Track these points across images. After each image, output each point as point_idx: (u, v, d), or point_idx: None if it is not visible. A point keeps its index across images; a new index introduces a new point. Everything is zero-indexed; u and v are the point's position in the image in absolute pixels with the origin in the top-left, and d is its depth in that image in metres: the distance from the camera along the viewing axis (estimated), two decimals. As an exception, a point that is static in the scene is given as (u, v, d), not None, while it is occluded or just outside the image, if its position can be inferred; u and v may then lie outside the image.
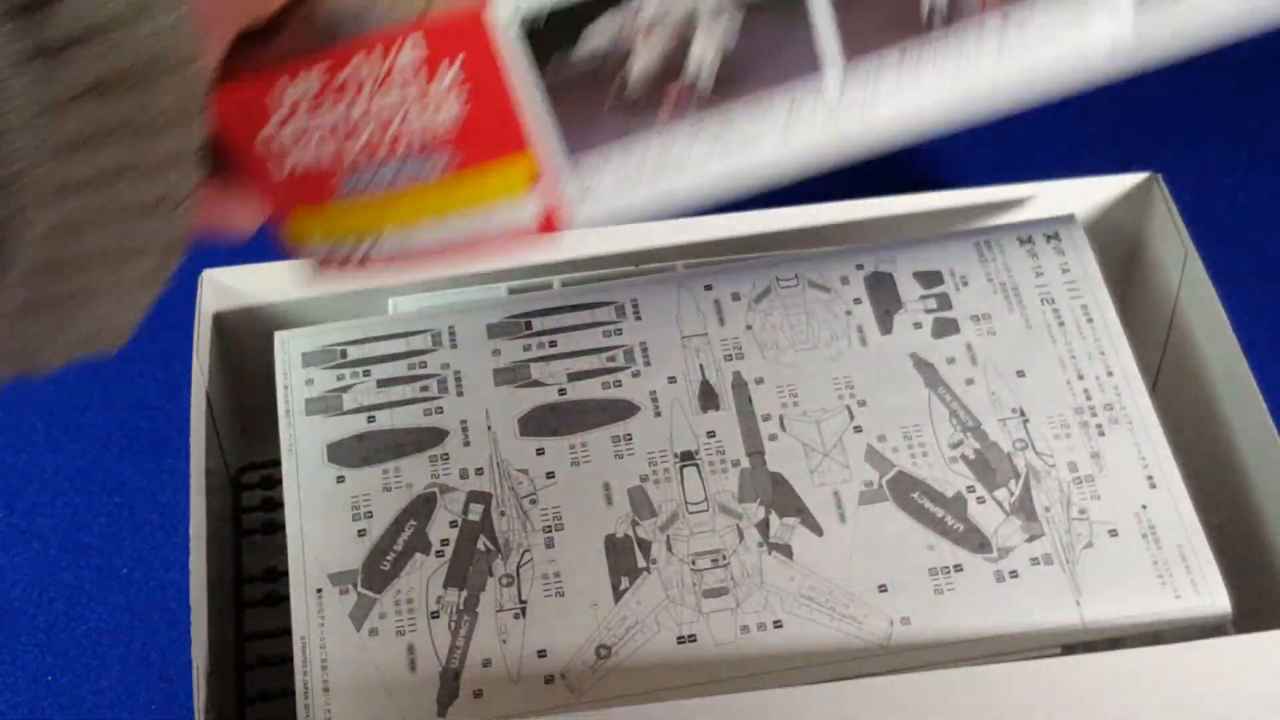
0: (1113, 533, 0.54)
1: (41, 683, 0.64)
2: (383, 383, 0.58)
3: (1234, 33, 0.47)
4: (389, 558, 0.54)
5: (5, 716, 0.63)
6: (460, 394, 0.58)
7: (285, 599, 0.54)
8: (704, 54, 0.42)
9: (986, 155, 0.78)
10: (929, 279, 0.60)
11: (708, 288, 0.60)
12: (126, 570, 0.67)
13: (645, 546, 0.54)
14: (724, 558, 0.53)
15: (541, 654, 0.52)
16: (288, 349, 0.59)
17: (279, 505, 0.56)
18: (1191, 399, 0.62)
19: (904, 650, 0.52)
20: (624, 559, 0.54)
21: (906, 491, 0.55)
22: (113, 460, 0.71)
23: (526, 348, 0.59)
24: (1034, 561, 0.53)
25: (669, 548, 0.54)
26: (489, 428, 0.57)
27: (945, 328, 0.59)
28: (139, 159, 0.35)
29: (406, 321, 0.60)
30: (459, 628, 0.52)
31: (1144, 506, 0.54)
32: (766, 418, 0.57)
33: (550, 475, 0.56)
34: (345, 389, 0.58)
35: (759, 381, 0.58)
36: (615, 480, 0.55)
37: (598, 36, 0.41)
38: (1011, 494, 0.55)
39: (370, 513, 0.55)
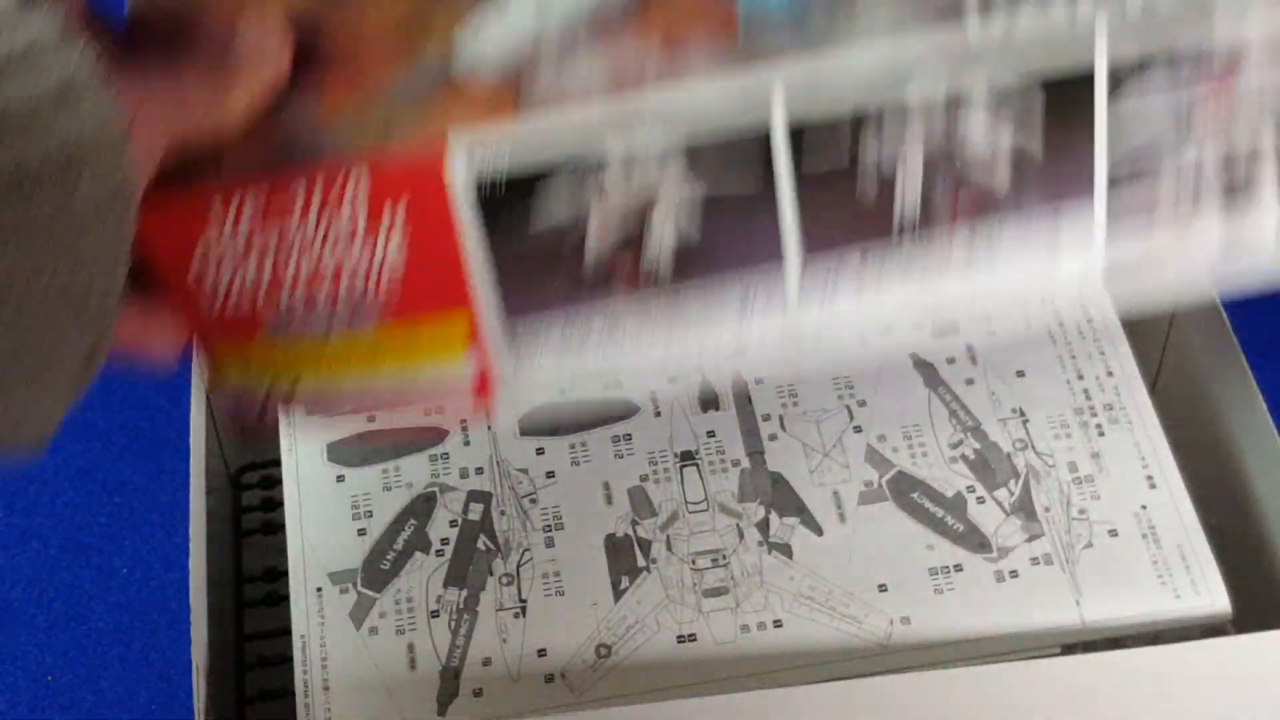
0: (1112, 533, 0.54)
1: (41, 683, 0.64)
2: (383, 382, 0.58)
3: (1204, 289, 0.47)
4: (389, 557, 0.54)
5: (5, 716, 0.63)
6: (460, 394, 0.58)
7: (285, 599, 0.54)
8: (663, 234, 0.41)
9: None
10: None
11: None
12: (126, 570, 0.67)
13: (645, 546, 0.54)
14: (724, 557, 0.53)
15: (541, 653, 0.52)
16: (288, 349, 0.59)
17: (279, 505, 0.56)
18: (1191, 399, 0.62)
19: (904, 650, 0.51)
20: (624, 558, 0.54)
21: (906, 491, 0.55)
22: (113, 460, 0.71)
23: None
24: (1034, 561, 0.53)
25: (669, 547, 0.54)
26: (489, 427, 0.57)
27: (945, 328, 0.59)
28: (60, 256, 0.33)
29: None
30: (459, 627, 0.52)
31: (1144, 506, 0.54)
32: (766, 418, 0.57)
33: (550, 474, 0.56)
34: (345, 389, 0.58)
35: (758, 381, 0.58)
36: (615, 480, 0.55)
37: (556, 206, 0.40)
38: (1011, 494, 0.55)
39: (370, 512, 0.55)
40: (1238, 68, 0.40)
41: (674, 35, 0.40)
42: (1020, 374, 0.57)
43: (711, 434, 0.56)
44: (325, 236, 0.39)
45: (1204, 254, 0.44)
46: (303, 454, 0.56)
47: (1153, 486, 0.55)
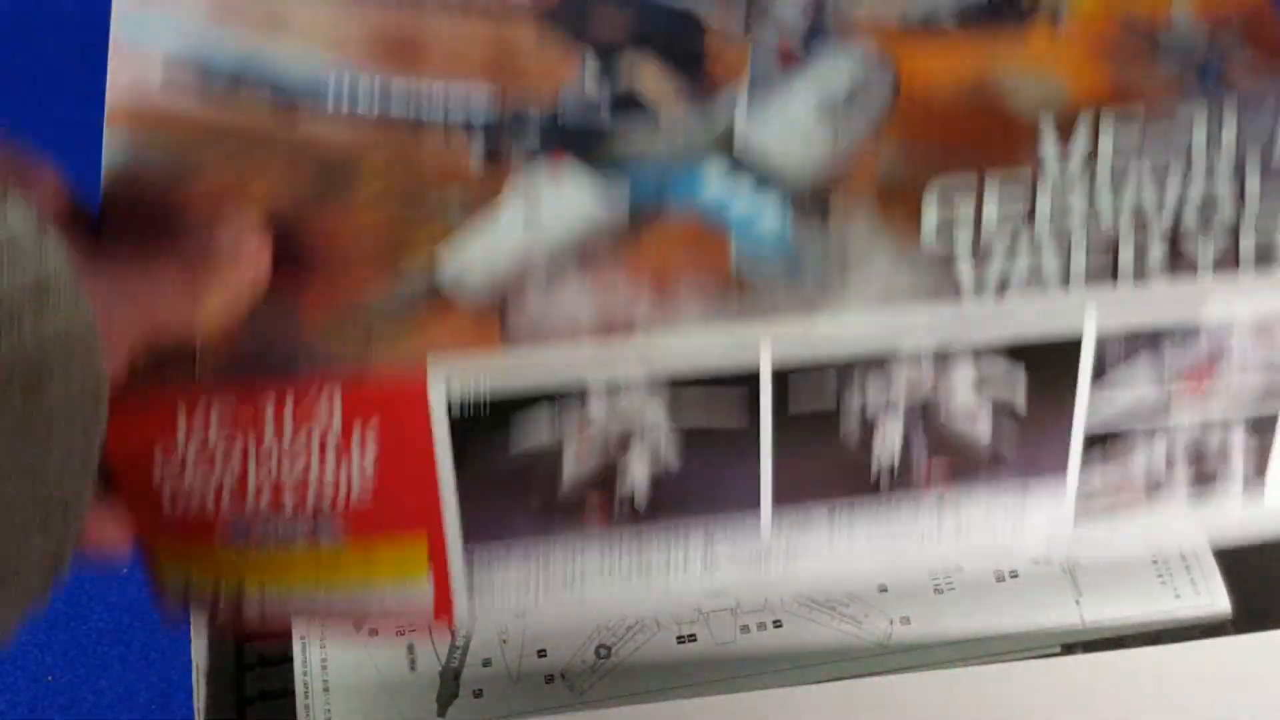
0: (1113, 533, 0.54)
1: (41, 683, 0.64)
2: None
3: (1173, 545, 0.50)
4: (389, 557, 0.54)
5: (5, 716, 0.63)
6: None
7: (285, 599, 0.54)
8: (640, 470, 0.40)
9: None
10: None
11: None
12: (126, 570, 0.67)
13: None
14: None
15: (541, 654, 0.52)
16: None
17: (279, 505, 0.56)
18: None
19: (904, 650, 0.51)
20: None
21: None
22: (113, 460, 0.71)
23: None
24: (1034, 561, 0.53)
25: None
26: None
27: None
28: (26, 459, 0.31)
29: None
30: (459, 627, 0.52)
31: (1144, 506, 0.54)
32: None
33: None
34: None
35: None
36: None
37: (533, 433, 0.39)
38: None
39: (370, 512, 0.55)
40: (1218, 364, 0.41)
41: (665, 274, 0.40)
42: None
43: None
44: (293, 448, 0.38)
45: (1170, 533, 0.46)
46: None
47: (1153, 486, 0.55)
